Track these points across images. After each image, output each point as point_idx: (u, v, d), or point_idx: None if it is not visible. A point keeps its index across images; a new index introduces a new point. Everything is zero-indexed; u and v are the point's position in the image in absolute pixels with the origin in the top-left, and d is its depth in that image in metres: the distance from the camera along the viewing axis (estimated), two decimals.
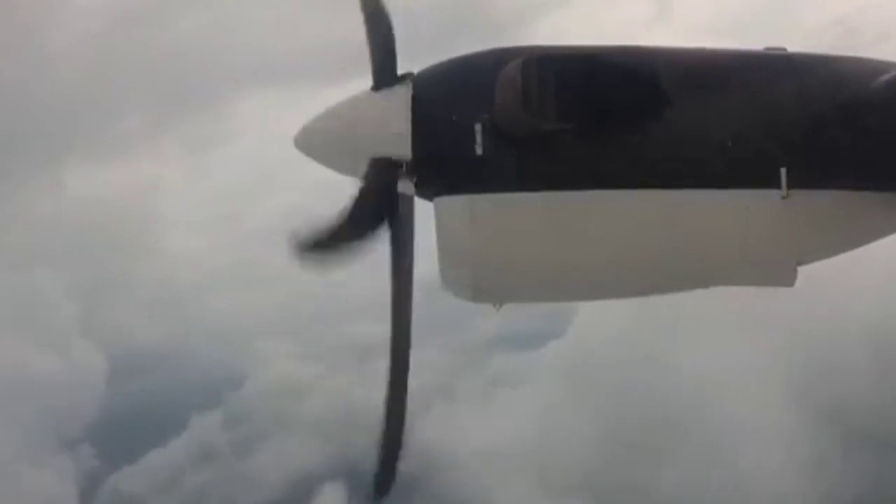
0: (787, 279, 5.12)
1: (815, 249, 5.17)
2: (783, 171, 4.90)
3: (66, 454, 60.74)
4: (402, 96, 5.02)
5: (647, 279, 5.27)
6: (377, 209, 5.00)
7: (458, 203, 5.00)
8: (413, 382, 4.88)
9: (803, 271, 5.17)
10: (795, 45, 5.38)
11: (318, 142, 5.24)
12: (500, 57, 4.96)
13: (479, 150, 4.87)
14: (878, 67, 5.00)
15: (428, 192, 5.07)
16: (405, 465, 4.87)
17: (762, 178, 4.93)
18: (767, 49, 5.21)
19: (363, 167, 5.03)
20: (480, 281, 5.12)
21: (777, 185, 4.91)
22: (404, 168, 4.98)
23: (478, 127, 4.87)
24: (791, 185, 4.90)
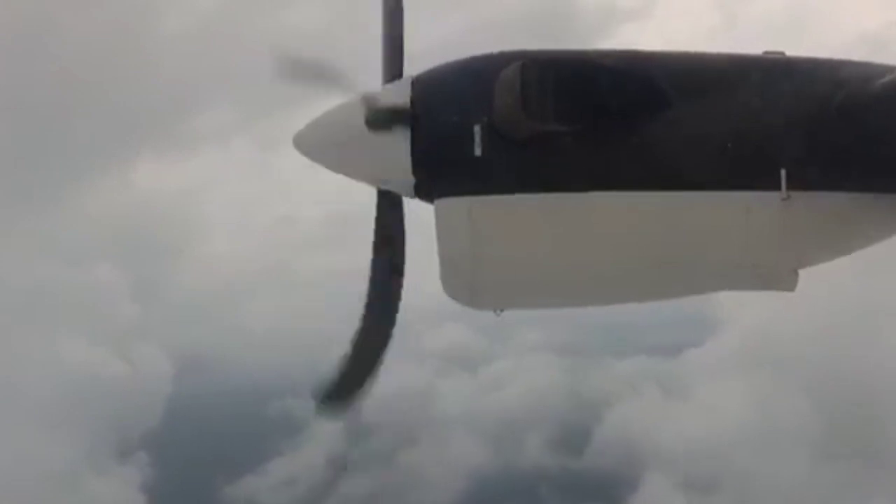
0: (788, 283, 5.08)
1: (815, 252, 5.14)
2: (783, 172, 4.87)
3: (135, 459, 60.75)
4: (402, 88, 5.13)
5: (646, 283, 5.27)
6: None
7: (457, 205, 5.03)
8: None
9: None
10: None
11: (314, 142, 5.32)
12: (499, 60, 5.00)
13: (478, 152, 4.91)
14: (876, 71, 4.95)
15: (428, 194, 5.13)
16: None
17: (762, 180, 4.91)
18: (766, 53, 5.21)
19: (357, 168, 5.21)
20: (480, 285, 5.16)
21: (777, 187, 4.89)
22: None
23: (477, 129, 4.90)
24: (791, 186, 4.88)
